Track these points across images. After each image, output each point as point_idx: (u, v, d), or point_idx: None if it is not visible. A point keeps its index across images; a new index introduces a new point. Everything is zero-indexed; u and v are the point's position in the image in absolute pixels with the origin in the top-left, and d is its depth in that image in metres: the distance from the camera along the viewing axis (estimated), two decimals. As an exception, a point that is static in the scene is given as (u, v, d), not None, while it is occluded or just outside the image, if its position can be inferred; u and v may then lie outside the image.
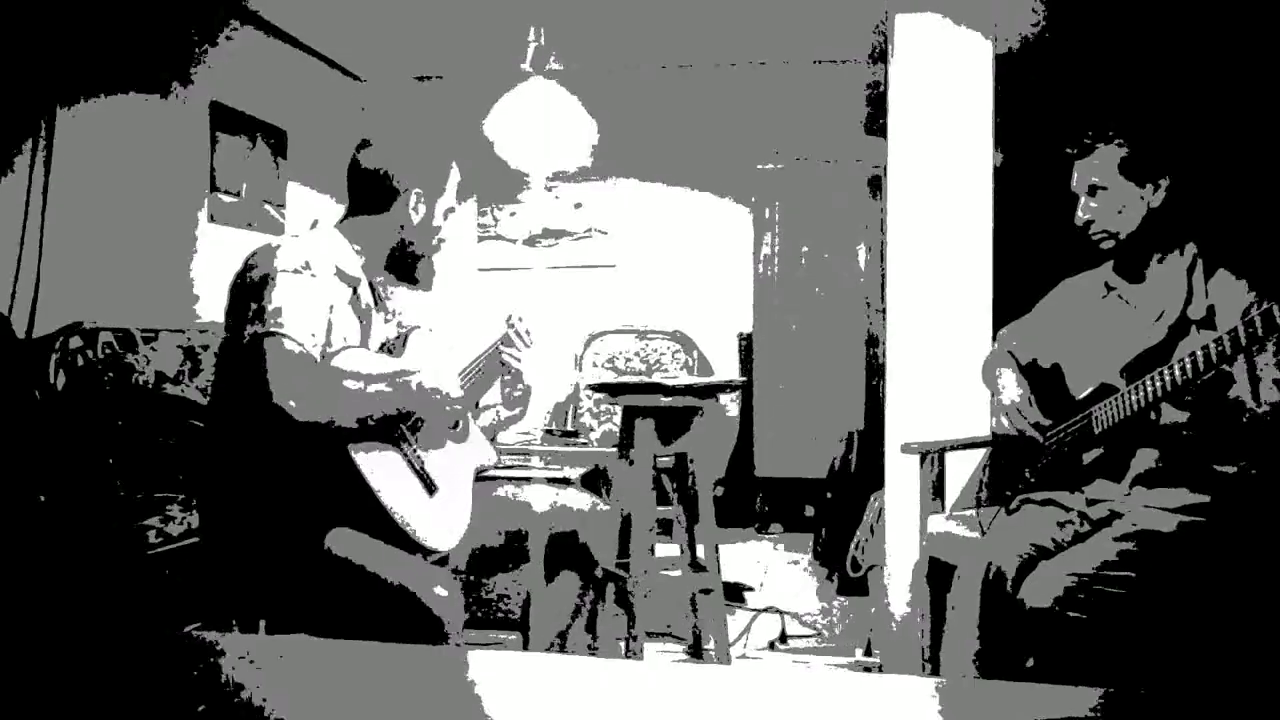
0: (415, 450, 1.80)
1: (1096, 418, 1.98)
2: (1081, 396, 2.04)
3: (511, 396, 2.14)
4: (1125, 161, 1.98)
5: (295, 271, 1.70)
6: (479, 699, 1.09)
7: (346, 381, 1.68)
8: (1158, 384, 1.83)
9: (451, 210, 1.95)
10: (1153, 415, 1.90)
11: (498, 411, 2.13)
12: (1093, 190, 2.02)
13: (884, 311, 3.12)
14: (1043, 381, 2.19)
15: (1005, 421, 2.16)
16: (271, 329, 1.64)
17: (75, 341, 2.83)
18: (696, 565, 2.86)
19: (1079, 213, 2.05)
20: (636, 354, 4.95)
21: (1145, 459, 1.94)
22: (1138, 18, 3.75)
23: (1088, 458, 2.02)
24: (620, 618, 2.67)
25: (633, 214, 5.16)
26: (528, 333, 2.12)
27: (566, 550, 2.08)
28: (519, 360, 2.07)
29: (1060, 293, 2.27)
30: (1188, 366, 1.77)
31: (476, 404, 2.10)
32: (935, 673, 2.23)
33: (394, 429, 1.76)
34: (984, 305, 2.95)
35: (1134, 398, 1.88)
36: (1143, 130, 2.00)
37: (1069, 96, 3.95)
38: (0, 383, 2.62)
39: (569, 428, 4.53)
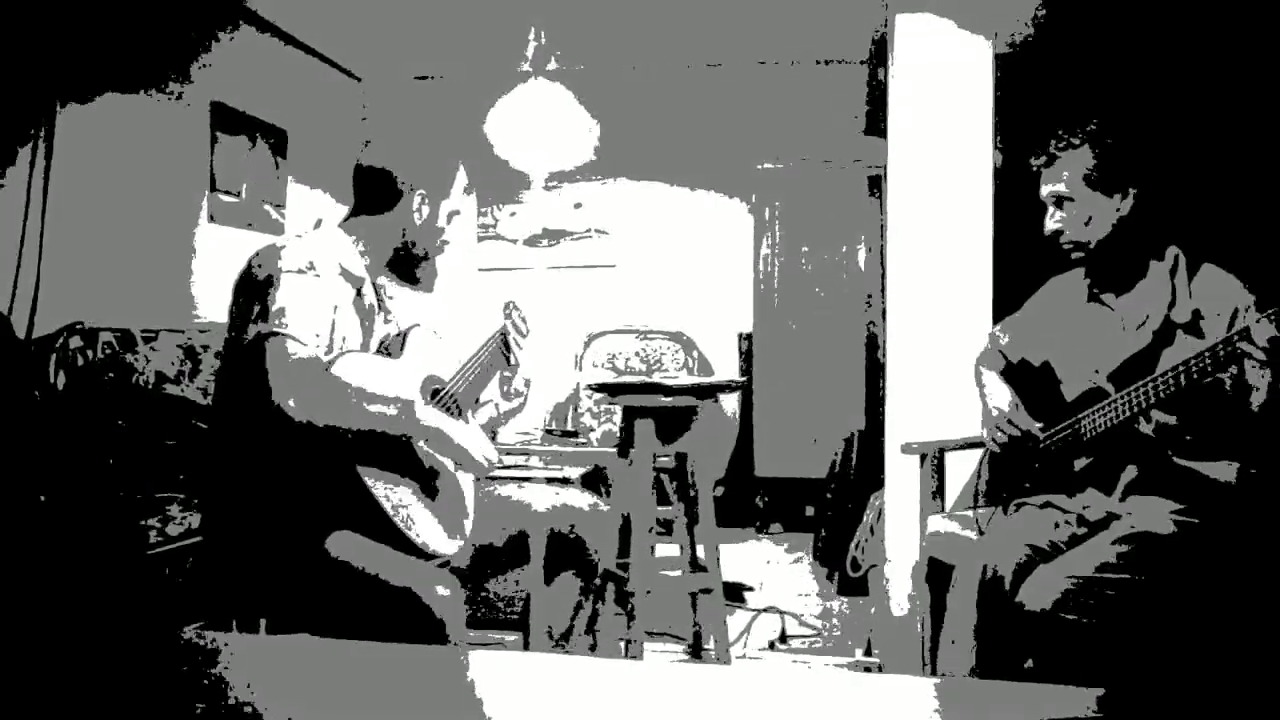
0: (416, 453, 1.80)
1: (1085, 425, 1.98)
2: (1071, 399, 2.04)
3: (511, 390, 2.13)
4: (1090, 171, 1.96)
5: (299, 272, 1.69)
6: (479, 699, 1.09)
7: (353, 397, 1.67)
8: (1144, 395, 1.83)
9: (456, 213, 1.94)
10: (1141, 422, 1.90)
11: (496, 405, 2.12)
12: (1059, 201, 2.00)
13: (884, 311, 3.11)
14: (1034, 381, 2.18)
15: (997, 435, 2.14)
16: (275, 329, 1.64)
17: (75, 341, 2.83)
18: (696, 565, 2.86)
19: (1046, 222, 2.03)
20: (636, 354, 4.95)
21: (1135, 472, 1.94)
22: (1137, 17, 3.75)
23: (1078, 465, 2.02)
24: (620, 618, 2.67)
25: (633, 214, 5.16)
26: (524, 321, 2.11)
27: (566, 550, 2.08)
28: (521, 346, 2.07)
29: (1048, 290, 2.26)
30: (1170, 380, 1.77)
31: (476, 400, 2.10)
32: (935, 673, 2.23)
33: (395, 440, 1.76)
34: (984, 305, 2.95)
35: (1121, 407, 1.88)
36: (1109, 138, 1.98)
37: (1070, 97, 3.95)
38: (0, 383, 2.62)
39: (569, 428, 4.53)
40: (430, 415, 1.74)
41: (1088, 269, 2.06)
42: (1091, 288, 2.08)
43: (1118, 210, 1.96)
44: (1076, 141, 1.98)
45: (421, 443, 1.79)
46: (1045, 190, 2.03)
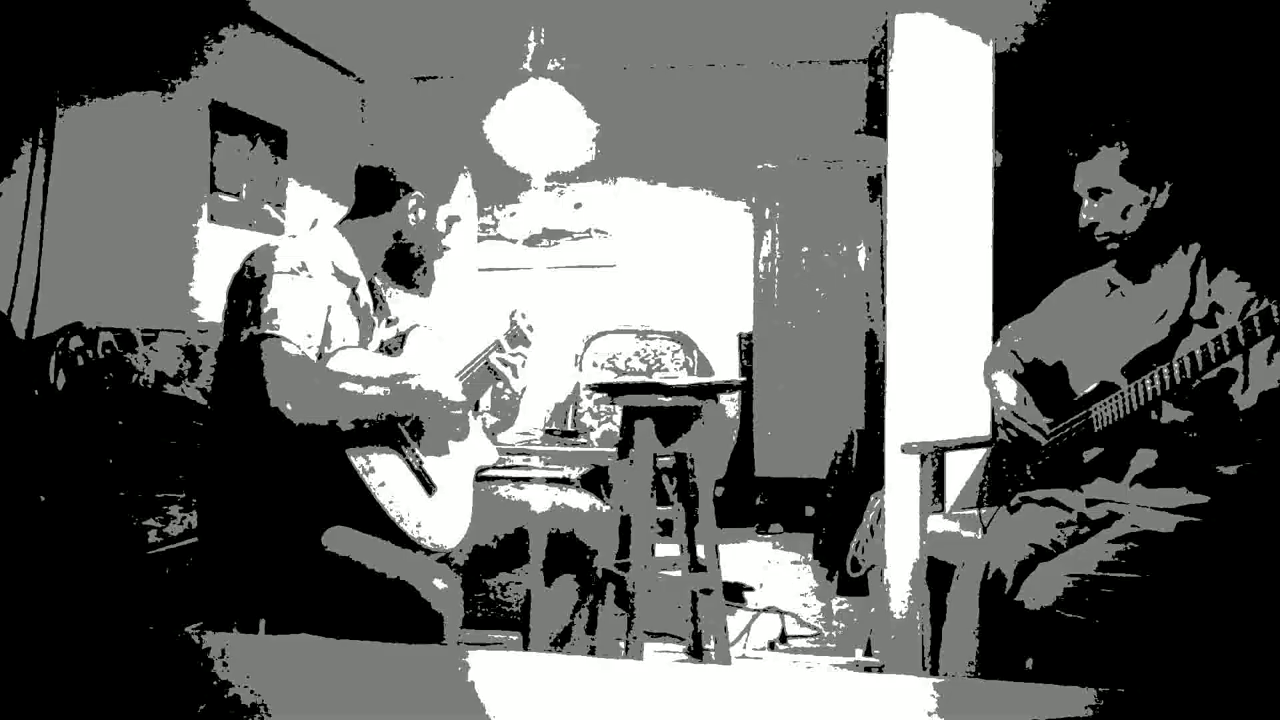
0: (414, 450, 1.80)
1: (1096, 416, 1.98)
2: (1081, 395, 2.04)
3: (499, 401, 2.12)
4: (1127, 163, 1.97)
5: (292, 272, 1.70)
6: (479, 699, 1.09)
7: (345, 384, 1.68)
8: (1157, 382, 1.83)
9: (456, 219, 1.93)
10: (1153, 414, 1.90)
11: (484, 419, 2.12)
12: (1095, 193, 2.01)
13: (884, 311, 3.12)
14: (1045, 380, 2.19)
15: (1007, 430, 2.16)
16: (268, 331, 1.64)
17: (75, 341, 2.83)
18: (696, 565, 2.86)
19: (1082, 214, 2.04)
20: (636, 354, 4.95)
21: (1145, 458, 1.94)
22: (1138, 18, 3.75)
23: (1088, 456, 2.02)
24: (620, 618, 2.67)
25: (633, 214, 5.17)
26: (530, 329, 2.11)
27: (566, 550, 2.08)
28: (508, 367, 2.05)
29: (1064, 291, 2.27)
30: (1185, 365, 1.77)
31: (476, 404, 2.10)
32: (935, 673, 2.23)
33: (394, 430, 1.76)
34: (984, 305, 2.95)
35: (1133, 396, 1.88)
36: (1145, 131, 1.99)
37: (1069, 97, 3.95)
38: (0, 383, 2.62)
39: (569, 428, 4.53)
40: (427, 380, 1.76)
41: (1120, 260, 2.06)
42: (1121, 274, 2.08)
43: (1152, 202, 1.96)
44: (1113, 134, 1.99)
45: (420, 447, 1.80)
46: (1080, 182, 2.04)
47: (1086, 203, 2.03)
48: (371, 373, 1.74)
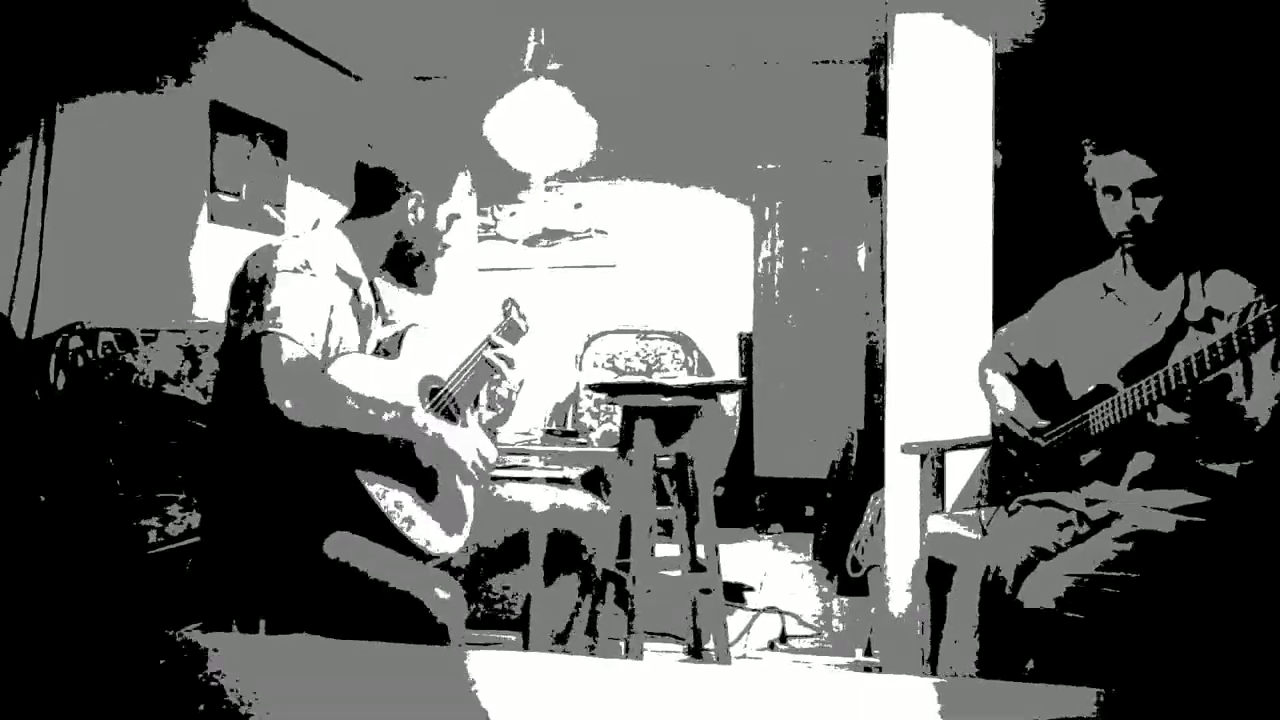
0: (415, 452, 1.80)
1: (1093, 419, 1.98)
2: (1079, 397, 2.04)
3: (495, 400, 2.12)
4: (1141, 167, 1.97)
5: (295, 271, 1.69)
6: (479, 699, 1.09)
7: (350, 400, 1.67)
8: (1154, 387, 1.83)
9: (456, 217, 1.93)
10: (1149, 417, 1.90)
11: (479, 415, 2.11)
12: (1114, 190, 2.00)
13: (884, 311, 3.11)
14: (1041, 381, 2.19)
15: (1004, 435, 2.15)
16: (270, 328, 1.64)
17: (75, 341, 2.83)
18: (696, 565, 2.86)
19: (1107, 213, 2.02)
20: (636, 354, 4.95)
21: (1143, 461, 1.94)
22: (1138, 18, 3.74)
23: (1085, 459, 2.02)
24: (620, 618, 2.67)
25: (633, 214, 5.16)
26: (523, 318, 2.10)
27: (566, 551, 2.08)
28: (504, 360, 2.04)
29: (1058, 293, 2.27)
30: (1182, 371, 1.77)
31: (475, 400, 2.10)
32: (935, 673, 2.23)
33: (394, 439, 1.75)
34: (984, 305, 2.95)
35: (1130, 400, 1.88)
36: (1153, 135, 1.99)
37: (1070, 97, 3.95)
38: (0, 383, 2.62)
39: (569, 428, 4.53)
40: (428, 423, 1.74)
41: (1135, 255, 2.06)
42: (1123, 274, 2.08)
43: (1162, 199, 1.96)
44: (1130, 137, 1.99)
45: (420, 451, 1.79)
46: (1096, 177, 2.03)
47: (1100, 196, 2.02)
48: (376, 393, 1.72)
